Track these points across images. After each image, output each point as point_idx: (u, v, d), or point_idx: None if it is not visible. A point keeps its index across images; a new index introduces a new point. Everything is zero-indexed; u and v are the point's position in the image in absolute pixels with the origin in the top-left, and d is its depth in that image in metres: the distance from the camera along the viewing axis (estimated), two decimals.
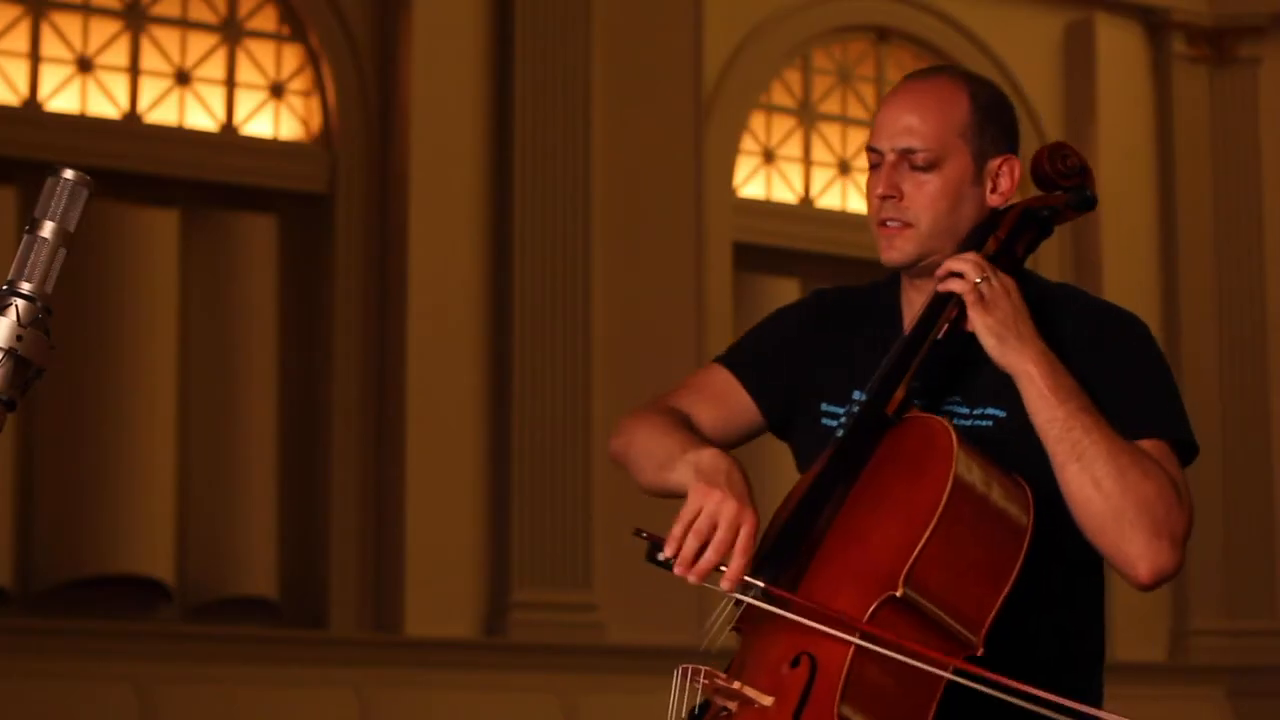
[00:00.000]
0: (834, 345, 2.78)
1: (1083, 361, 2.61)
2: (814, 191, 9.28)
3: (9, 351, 1.94)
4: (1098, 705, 2.70)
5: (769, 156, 9.23)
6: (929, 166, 2.70)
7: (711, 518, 2.48)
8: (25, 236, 1.98)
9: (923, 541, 2.40)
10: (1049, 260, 9.63)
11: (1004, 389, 2.61)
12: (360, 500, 8.01)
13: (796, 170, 9.28)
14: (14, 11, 7.82)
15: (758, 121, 9.21)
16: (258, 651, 7.70)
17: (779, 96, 9.28)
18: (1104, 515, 2.52)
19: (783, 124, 9.28)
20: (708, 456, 2.57)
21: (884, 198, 2.72)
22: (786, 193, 9.24)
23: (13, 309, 1.95)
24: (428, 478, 7.96)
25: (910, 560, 2.40)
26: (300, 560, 8.00)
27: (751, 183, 9.17)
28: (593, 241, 8.27)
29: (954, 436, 2.47)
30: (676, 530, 2.49)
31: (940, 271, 2.65)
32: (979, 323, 2.58)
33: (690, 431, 2.71)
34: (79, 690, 7.32)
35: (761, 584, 2.48)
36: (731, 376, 2.85)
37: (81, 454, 7.70)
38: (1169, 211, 9.85)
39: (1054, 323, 2.64)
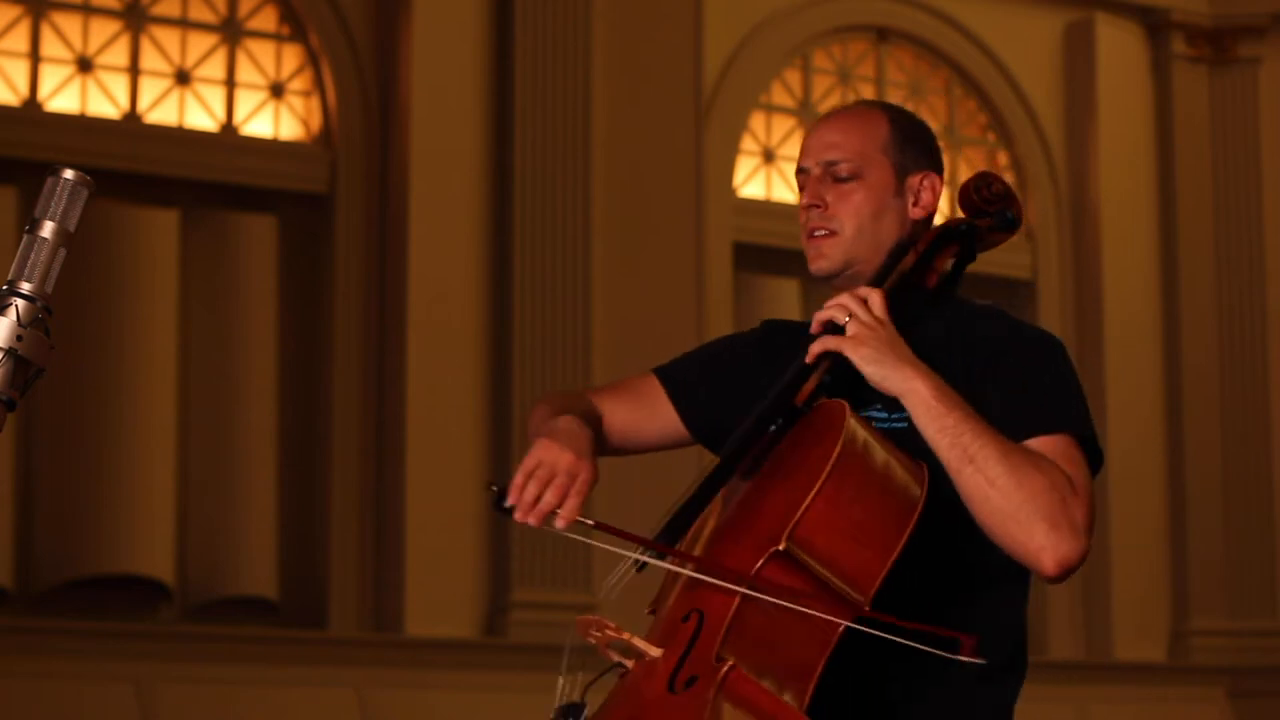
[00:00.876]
0: (773, 368, 2.88)
1: (987, 369, 2.75)
2: None
3: (9, 351, 1.94)
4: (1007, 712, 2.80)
5: (769, 156, 9.23)
6: (851, 176, 2.85)
7: (549, 466, 2.66)
8: (25, 236, 1.98)
9: (807, 500, 2.50)
10: (1049, 259, 9.63)
11: None
12: (360, 500, 8.01)
13: None
14: (14, 11, 7.82)
15: (758, 121, 9.21)
16: (258, 651, 7.70)
17: (779, 96, 9.28)
18: (1002, 512, 2.61)
19: (783, 124, 9.28)
20: (561, 422, 2.75)
21: (809, 207, 2.86)
22: (786, 193, 9.24)
23: (13, 309, 1.95)
24: (427, 478, 7.96)
25: (795, 518, 2.50)
26: (300, 560, 8.00)
27: (751, 183, 9.17)
28: (593, 241, 8.27)
29: (848, 410, 2.59)
30: (517, 479, 2.66)
31: (815, 324, 2.77)
32: (855, 358, 2.69)
33: (574, 415, 2.82)
34: (79, 690, 7.32)
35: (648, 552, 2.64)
36: (657, 382, 2.99)
37: (81, 454, 7.70)
38: (1169, 211, 9.86)
39: (967, 337, 2.79)
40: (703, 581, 2.56)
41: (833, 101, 9.36)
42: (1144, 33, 9.95)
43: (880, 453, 2.59)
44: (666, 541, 2.65)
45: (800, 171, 2.91)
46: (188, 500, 7.86)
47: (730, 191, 8.98)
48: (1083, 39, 9.76)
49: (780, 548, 2.48)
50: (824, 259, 2.86)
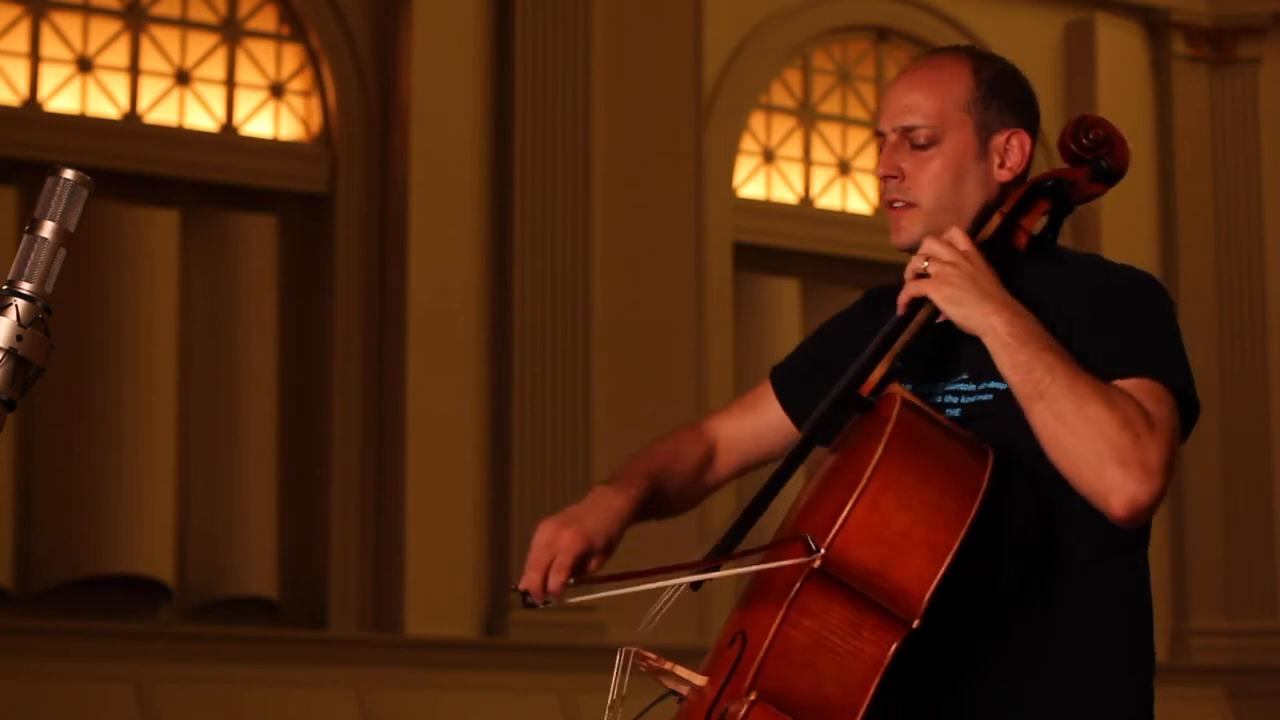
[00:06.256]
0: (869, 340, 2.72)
1: (1082, 316, 2.60)
2: (814, 191, 9.27)
3: (9, 351, 1.94)
4: (1146, 706, 2.64)
5: (769, 156, 9.23)
6: (930, 143, 2.68)
7: (535, 543, 2.68)
8: (25, 236, 1.98)
9: (845, 513, 2.36)
10: None
11: None
12: (360, 500, 8.01)
13: (796, 170, 9.28)
14: (14, 11, 7.82)
15: (758, 121, 9.21)
16: (258, 651, 7.70)
17: (779, 96, 9.28)
18: (1071, 450, 2.47)
19: (783, 124, 9.28)
20: (591, 494, 2.76)
21: (885, 178, 2.70)
22: (786, 193, 9.24)
23: (13, 309, 1.95)
24: (428, 478, 7.96)
25: (831, 533, 2.35)
26: (300, 560, 8.00)
27: (751, 183, 9.17)
28: (593, 241, 8.27)
29: (898, 403, 2.44)
30: (526, 568, 2.69)
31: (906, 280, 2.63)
32: (937, 299, 2.56)
33: (613, 483, 2.79)
34: (79, 690, 7.32)
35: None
36: (769, 387, 2.87)
37: (81, 454, 7.70)
38: (1169, 211, 9.86)
39: (1063, 289, 2.63)
40: (752, 598, 2.46)
41: (833, 101, 9.37)
42: (1144, 33, 9.95)
43: (937, 444, 2.44)
44: (716, 554, 2.52)
45: (879, 133, 2.74)
46: (188, 500, 7.86)
47: (730, 191, 8.97)
48: (1083, 39, 9.76)
49: (815, 566, 2.34)
50: (903, 232, 2.69)
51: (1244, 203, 9.91)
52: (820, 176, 9.30)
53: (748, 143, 9.15)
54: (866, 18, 9.45)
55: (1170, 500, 9.57)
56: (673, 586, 2.52)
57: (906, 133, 2.69)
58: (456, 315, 8.12)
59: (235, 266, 8.04)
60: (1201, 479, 9.66)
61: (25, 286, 1.96)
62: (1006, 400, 2.55)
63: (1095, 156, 2.68)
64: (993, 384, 2.59)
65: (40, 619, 7.58)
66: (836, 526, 2.36)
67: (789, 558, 2.37)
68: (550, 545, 2.65)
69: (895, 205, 2.69)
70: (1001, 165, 2.70)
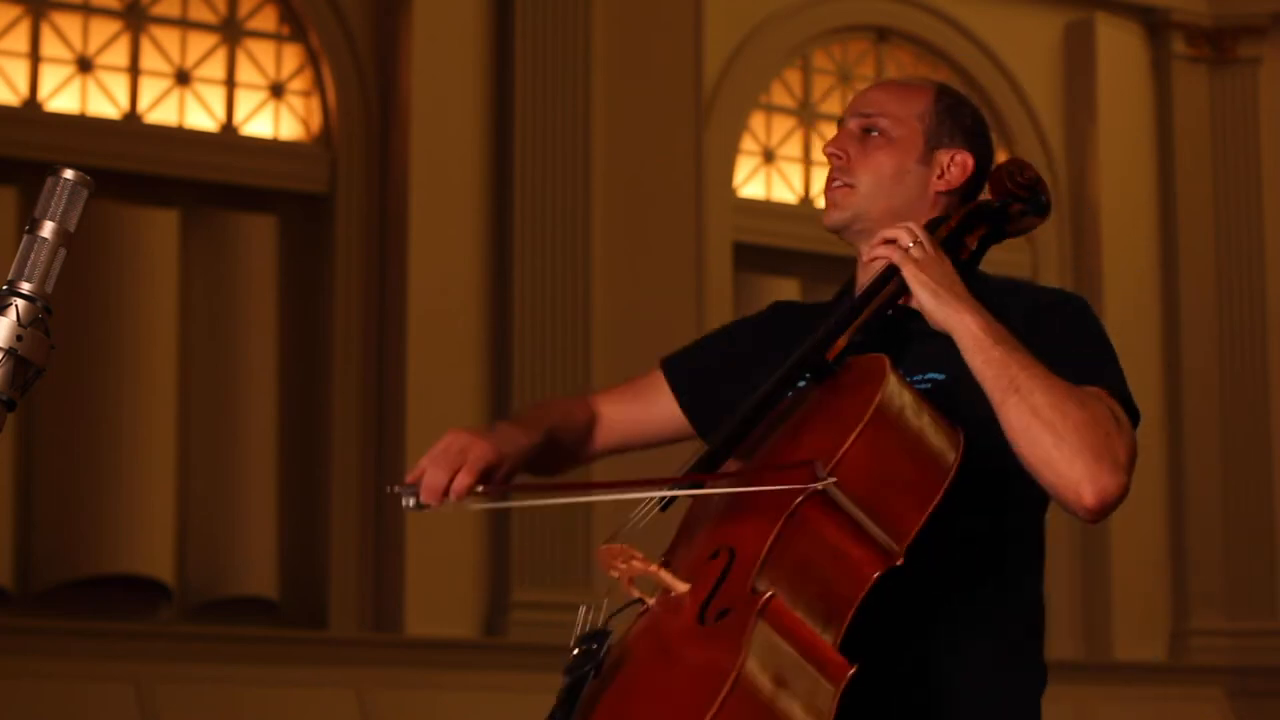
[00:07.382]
0: (780, 350, 2.81)
1: (1034, 333, 2.70)
2: (814, 191, 9.28)
3: (9, 351, 1.94)
4: (1036, 680, 2.86)
5: (769, 156, 9.23)
6: (880, 134, 2.84)
7: (442, 446, 2.74)
8: (25, 236, 1.99)
9: (848, 443, 2.46)
10: (1049, 259, 9.63)
11: (943, 356, 2.69)
12: (360, 500, 8.01)
13: (796, 170, 9.28)
14: (14, 11, 7.82)
15: (758, 121, 9.21)
16: (258, 651, 7.70)
17: (779, 96, 9.28)
18: (1043, 442, 2.57)
19: (783, 124, 9.28)
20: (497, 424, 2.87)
21: (831, 156, 2.86)
22: (786, 193, 9.24)
23: (13, 309, 1.95)
24: None
25: (836, 457, 2.45)
26: (300, 560, 8.00)
27: (751, 183, 9.17)
28: (593, 241, 8.27)
29: (888, 363, 2.55)
30: (421, 463, 2.74)
31: (875, 241, 2.75)
32: (913, 280, 2.68)
33: (516, 420, 2.90)
34: (79, 690, 7.32)
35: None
36: (662, 376, 2.99)
37: (81, 454, 7.70)
38: (1169, 211, 9.86)
39: (1005, 306, 2.74)
40: (730, 520, 2.52)
41: (833, 101, 9.37)
42: (1144, 33, 9.95)
43: (919, 409, 2.55)
44: (698, 471, 2.60)
45: (839, 125, 2.92)
46: (188, 500, 7.86)
47: (730, 191, 8.98)
48: (1083, 39, 9.76)
49: (819, 486, 2.42)
50: (836, 209, 2.85)
51: (1244, 203, 9.91)
52: (820, 176, 9.29)
53: (748, 143, 9.16)
54: (866, 18, 9.45)
55: (1170, 500, 9.60)
56: (649, 501, 2.59)
57: (862, 123, 2.86)
58: (456, 315, 8.12)
59: (235, 266, 8.04)
60: (1201, 479, 9.66)
61: (25, 286, 1.97)
62: (943, 390, 2.67)
63: (1034, 193, 2.87)
64: (930, 375, 2.71)
65: (40, 619, 7.58)
66: (840, 455, 2.45)
67: (788, 481, 2.46)
68: (462, 451, 2.72)
69: (834, 185, 2.85)
70: (940, 177, 2.85)
